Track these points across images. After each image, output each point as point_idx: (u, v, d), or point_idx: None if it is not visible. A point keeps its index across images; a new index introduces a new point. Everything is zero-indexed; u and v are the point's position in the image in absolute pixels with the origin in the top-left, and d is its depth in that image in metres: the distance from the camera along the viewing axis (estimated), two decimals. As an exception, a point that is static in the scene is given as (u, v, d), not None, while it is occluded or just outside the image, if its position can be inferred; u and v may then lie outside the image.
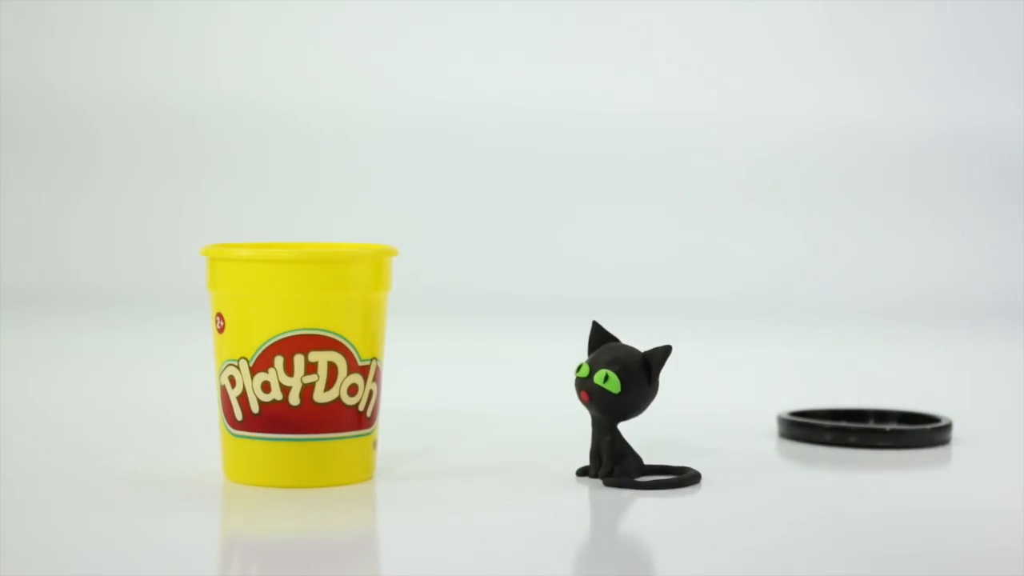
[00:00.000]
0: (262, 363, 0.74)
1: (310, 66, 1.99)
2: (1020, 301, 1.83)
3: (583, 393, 0.76)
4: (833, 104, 2.02)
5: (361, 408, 0.75)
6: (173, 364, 1.24)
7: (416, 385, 1.10)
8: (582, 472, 0.80)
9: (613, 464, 0.78)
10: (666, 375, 1.18)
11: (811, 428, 0.91)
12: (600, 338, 0.79)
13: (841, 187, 2.00)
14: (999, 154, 2.02)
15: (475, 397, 1.10)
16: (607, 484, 0.78)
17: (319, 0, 2.00)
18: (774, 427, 0.95)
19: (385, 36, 2.00)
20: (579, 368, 0.77)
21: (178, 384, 1.12)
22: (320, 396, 0.74)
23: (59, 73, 1.96)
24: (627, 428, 0.94)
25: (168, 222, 1.88)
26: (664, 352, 0.76)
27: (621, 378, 0.76)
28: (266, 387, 0.74)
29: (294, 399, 0.74)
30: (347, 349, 0.74)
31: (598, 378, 0.76)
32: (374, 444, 0.77)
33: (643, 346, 1.12)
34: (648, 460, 0.85)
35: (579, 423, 0.98)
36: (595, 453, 0.79)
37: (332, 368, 0.74)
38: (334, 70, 1.99)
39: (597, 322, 0.77)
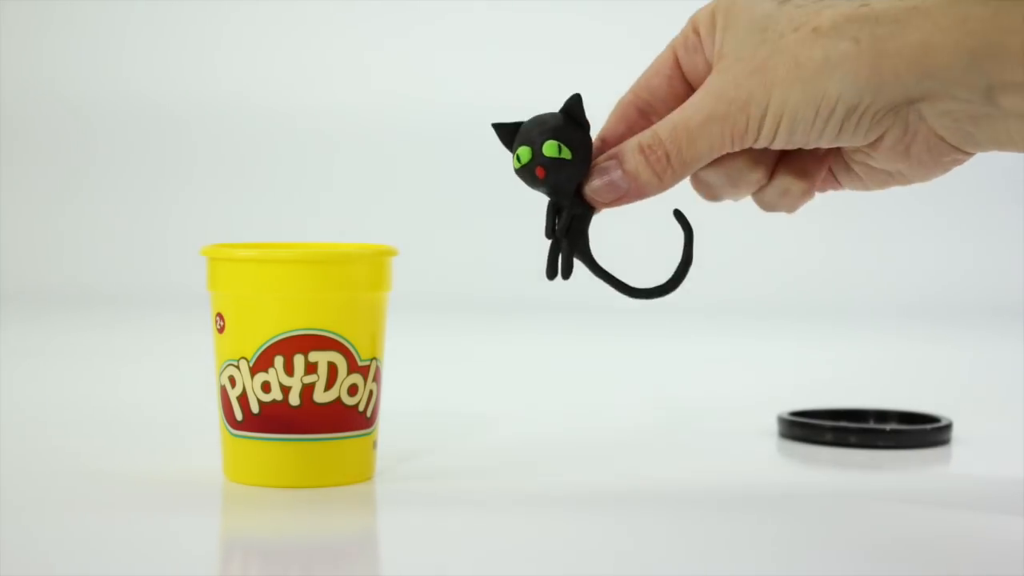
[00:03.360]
0: (262, 363, 0.74)
1: (310, 66, 1.99)
2: (1020, 301, 1.83)
3: (539, 170, 0.69)
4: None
5: (361, 408, 0.75)
6: (172, 364, 1.24)
7: (416, 385, 1.10)
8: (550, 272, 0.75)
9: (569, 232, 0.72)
10: (666, 375, 1.18)
11: (811, 428, 0.91)
12: (510, 135, 0.71)
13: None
14: (1000, 153, 2.02)
15: (475, 397, 1.10)
16: (563, 251, 0.72)
17: (318, 0, 2.00)
18: (774, 427, 0.95)
19: (385, 36, 2.00)
20: (516, 157, 0.70)
21: (178, 384, 1.12)
22: (320, 396, 0.74)
23: (58, 73, 1.96)
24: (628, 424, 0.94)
25: (168, 222, 1.88)
26: (575, 99, 0.70)
27: (568, 143, 0.69)
28: (266, 387, 0.74)
29: (294, 399, 0.74)
30: (347, 349, 0.74)
31: (549, 150, 0.69)
32: (374, 444, 0.77)
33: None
34: (648, 460, 0.85)
35: (579, 423, 0.98)
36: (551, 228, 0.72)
37: (332, 368, 0.74)
38: (334, 70, 1.99)
39: (498, 123, 0.71)
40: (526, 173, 0.70)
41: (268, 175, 1.93)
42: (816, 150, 0.71)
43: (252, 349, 0.74)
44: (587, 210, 0.71)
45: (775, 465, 0.88)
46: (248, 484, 0.75)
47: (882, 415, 0.95)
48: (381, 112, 1.93)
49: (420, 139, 1.91)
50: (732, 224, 1.93)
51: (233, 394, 0.75)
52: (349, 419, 0.75)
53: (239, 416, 0.75)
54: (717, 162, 0.69)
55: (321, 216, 1.89)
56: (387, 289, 0.77)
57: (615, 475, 0.82)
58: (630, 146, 0.68)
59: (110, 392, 1.09)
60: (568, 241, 0.72)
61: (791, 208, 0.73)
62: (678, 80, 0.71)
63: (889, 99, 0.65)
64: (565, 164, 0.69)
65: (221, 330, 0.75)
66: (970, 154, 0.68)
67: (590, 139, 0.70)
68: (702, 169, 0.70)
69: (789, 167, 0.71)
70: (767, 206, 0.74)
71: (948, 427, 0.92)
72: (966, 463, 0.88)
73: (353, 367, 0.75)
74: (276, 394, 0.74)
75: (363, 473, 0.77)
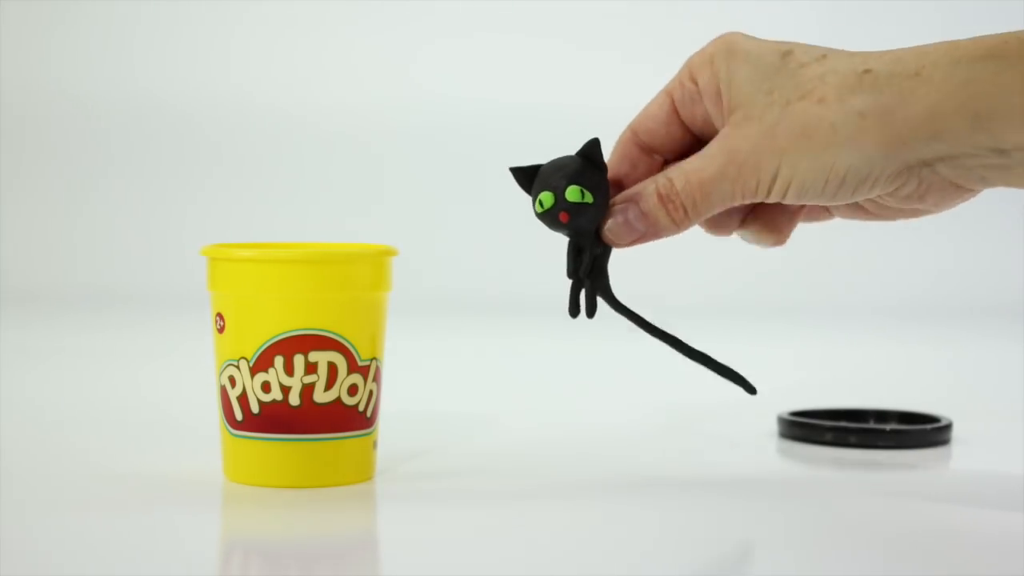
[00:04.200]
0: (262, 363, 0.74)
1: (310, 66, 1.99)
2: (1020, 301, 1.83)
3: (562, 215, 0.71)
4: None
5: (361, 408, 0.75)
6: (173, 364, 1.24)
7: (416, 385, 1.10)
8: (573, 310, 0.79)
9: (592, 272, 0.75)
10: (666, 375, 1.18)
11: (811, 428, 0.91)
12: (528, 178, 0.73)
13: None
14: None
15: (475, 397, 1.10)
16: (585, 285, 0.76)
17: (318, 0, 2.00)
18: (774, 427, 0.95)
19: (385, 35, 2.00)
20: (539, 202, 0.72)
21: (177, 384, 1.12)
22: (320, 396, 0.74)
23: (58, 73, 1.96)
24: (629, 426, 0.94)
25: (168, 222, 1.88)
26: (593, 143, 0.72)
27: (590, 187, 0.71)
28: (266, 387, 0.74)
29: (294, 399, 0.74)
30: (347, 349, 0.74)
31: (572, 195, 0.71)
32: (374, 444, 0.77)
33: None
34: (648, 460, 0.85)
35: (579, 423, 0.98)
36: (574, 265, 0.76)
37: (332, 368, 0.74)
38: (334, 70, 1.99)
39: (515, 167, 0.74)
40: (548, 218, 0.72)
41: (268, 175, 1.93)
42: (787, 207, 0.74)
43: (252, 349, 0.74)
44: (606, 249, 0.74)
45: (775, 465, 0.88)
46: (248, 484, 0.75)
47: (882, 415, 0.96)
48: (381, 112, 1.93)
49: (420, 139, 1.91)
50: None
51: (233, 394, 0.75)
52: (349, 419, 0.75)
53: (239, 416, 0.75)
54: None
55: (321, 216, 1.89)
56: (387, 289, 0.77)
57: (615, 475, 0.82)
58: (647, 191, 0.71)
59: (110, 392, 1.09)
60: (591, 281, 0.76)
61: (763, 247, 0.76)
62: (676, 127, 0.73)
63: (900, 164, 0.66)
64: (587, 208, 0.71)
65: (221, 330, 0.75)
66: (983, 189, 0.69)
67: (607, 182, 0.72)
68: None
69: (757, 219, 0.75)
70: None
71: (948, 427, 0.92)
72: (966, 463, 0.88)
73: (353, 367, 0.75)
74: (276, 394, 0.74)
75: (363, 473, 0.77)
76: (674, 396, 1.10)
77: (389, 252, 0.77)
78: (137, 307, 1.64)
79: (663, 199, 0.70)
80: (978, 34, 0.67)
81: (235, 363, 0.74)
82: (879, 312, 1.76)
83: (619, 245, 0.72)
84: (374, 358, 0.76)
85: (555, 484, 0.79)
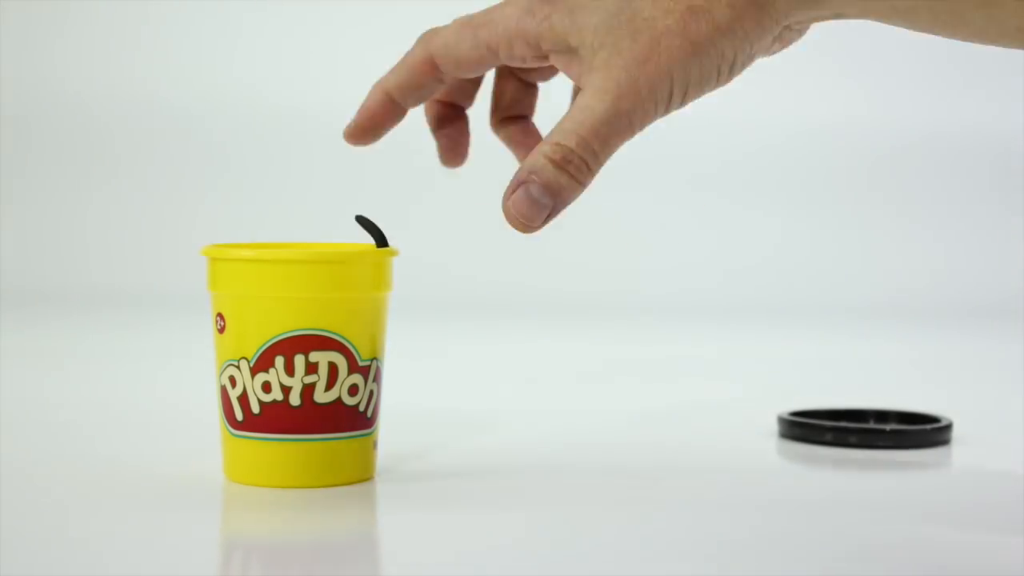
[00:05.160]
0: (263, 363, 0.74)
1: (310, 65, 1.99)
2: (1020, 301, 1.83)
3: None
4: (833, 102, 2.02)
5: (362, 408, 0.75)
6: (173, 364, 1.24)
7: (416, 385, 1.10)
8: None
9: None
10: (667, 375, 1.18)
11: (811, 428, 0.91)
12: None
13: (841, 186, 2.00)
14: (1000, 152, 2.02)
15: (475, 397, 1.10)
16: None
17: (318, 0, 2.00)
18: (774, 427, 0.95)
19: (385, 35, 2.00)
20: None
21: (178, 384, 1.12)
22: (321, 396, 0.74)
23: (57, 72, 1.96)
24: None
25: (168, 222, 1.88)
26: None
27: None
28: (267, 387, 0.74)
29: (295, 399, 0.74)
30: (348, 349, 0.74)
31: None
32: (375, 444, 0.77)
33: None
34: (648, 461, 0.85)
35: (579, 423, 0.98)
36: None
37: (333, 368, 0.74)
38: (333, 69, 1.99)
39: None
40: None
41: (268, 175, 1.93)
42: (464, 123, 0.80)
43: (252, 349, 0.74)
44: None
45: (775, 466, 0.88)
46: (248, 484, 0.75)
47: (882, 415, 0.96)
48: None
49: (420, 139, 1.91)
50: (733, 225, 1.93)
51: (233, 394, 0.75)
52: (350, 419, 0.75)
53: (239, 416, 0.75)
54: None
55: (321, 216, 1.89)
56: (387, 289, 0.77)
57: (615, 475, 0.82)
58: (540, 164, 0.69)
59: (110, 392, 1.09)
60: None
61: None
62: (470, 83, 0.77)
63: (774, 32, 0.69)
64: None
65: (221, 330, 0.75)
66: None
67: None
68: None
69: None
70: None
71: (948, 427, 0.92)
72: (966, 463, 0.88)
73: (354, 367, 0.75)
74: (277, 394, 0.74)
75: (363, 473, 0.77)
76: (674, 396, 1.10)
77: (389, 252, 0.77)
78: (138, 307, 1.64)
79: (561, 164, 0.69)
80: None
81: (235, 363, 0.75)
82: (878, 312, 1.76)
83: (532, 228, 0.70)
84: (374, 358, 0.76)
85: (555, 484, 0.79)
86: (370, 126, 0.77)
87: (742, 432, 0.95)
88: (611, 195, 1.89)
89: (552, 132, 0.69)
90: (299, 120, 1.95)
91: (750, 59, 0.70)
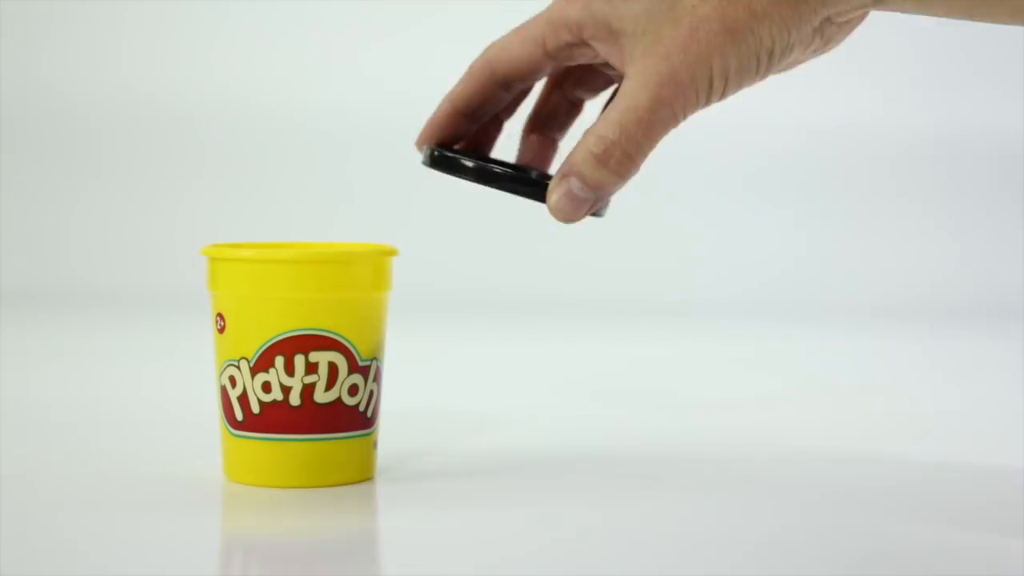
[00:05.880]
0: (263, 363, 0.74)
1: (311, 65, 1.99)
2: (1020, 301, 1.83)
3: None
4: (836, 104, 2.02)
5: (362, 408, 0.75)
6: (173, 364, 1.24)
7: (416, 385, 1.10)
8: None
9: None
10: (667, 376, 1.18)
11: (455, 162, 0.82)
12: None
13: (841, 187, 2.00)
14: (1001, 153, 2.02)
15: (475, 397, 1.10)
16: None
17: (318, 0, 2.00)
18: (775, 427, 0.95)
19: (385, 34, 2.00)
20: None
21: (178, 384, 1.12)
22: (321, 396, 0.74)
23: (57, 72, 1.96)
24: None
25: (168, 222, 1.88)
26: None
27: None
28: (267, 387, 0.74)
29: (295, 399, 0.74)
30: (348, 349, 0.74)
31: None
32: (374, 444, 0.77)
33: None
34: (648, 461, 0.85)
35: (579, 423, 0.98)
36: None
37: (333, 368, 0.74)
38: (333, 69, 1.99)
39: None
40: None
41: (268, 175, 1.93)
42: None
43: (253, 349, 0.74)
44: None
45: (775, 466, 0.88)
46: (248, 484, 0.75)
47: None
48: (382, 112, 1.93)
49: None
50: (733, 225, 1.93)
51: (233, 394, 0.75)
52: (350, 419, 0.75)
53: (239, 416, 0.75)
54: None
55: (321, 216, 1.89)
56: (387, 289, 0.77)
57: (615, 475, 0.82)
58: (581, 159, 0.70)
59: (110, 392, 1.09)
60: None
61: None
62: (541, 70, 0.74)
63: (812, 25, 0.69)
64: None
65: (221, 330, 0.75)
66: None
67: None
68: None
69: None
70: None
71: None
72: (965, 463, 0.88)
73: (354, 367, 0.75)
74: (277, 394, 0.74)
75: (363, 473, 0.77)
76: (674, 396, 1.10)
77: (389, 252, 0.77)
78: (137, 307, 1.64)
79: (603, 159, 0.69)
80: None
81: (236, 363, 0.75)
82: (878, 312, 1.76)
83: (574, 220, 0.71)
84: (374, 358, 0.76)
85: (555, 484, 0.79)
86: (435, 136, 0.76)
87: (742, 432, 0.95)
88: (617, 197, 1.89)
89: (596, 123, 0.69)
90: (299, 120, 1.95)
91: (790, 49, 0.69)
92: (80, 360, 1.27)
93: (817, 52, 0.72)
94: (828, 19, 0.69)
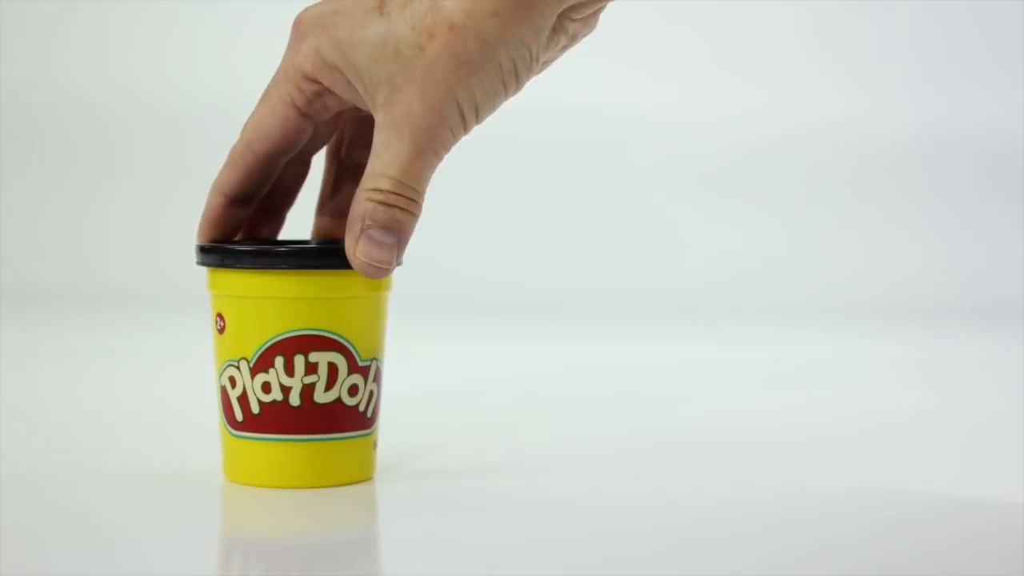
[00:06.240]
0: (262, 364, 0.74)
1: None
2: (1020, 301, 1.83)
3: None
4: (832, 101, 2.02)
5: (362, 408, 0.75)
6: (172, 364, 1.24)
7: (417, 385, 1.10)
8: None
9: None
10: (667, 377, 1.18)
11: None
12: None
13: (840, 185, 2.00)
14: (999, 152, 2.02)
15: (476, 397, 1.10)
16: None
17: None
18: (774, 427, 0.94)
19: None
20: None
21: (177, 384, 1.12)
22: (320, 396, 0.74)
23: (57, 72, 1.96)
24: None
25: (168, 222, 1.88)
26: None
27: None
28: (266, 388, 0.74)
29: (295, 400, 0.74)
30: (347, 350, 0.74)
31: None
32: (374, 444, 0.77)
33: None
34: (649, 463, 0.85)
35: (580, 424, 0.98)
36: None
37: (333, 368, 0.74)
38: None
39: None
40: None
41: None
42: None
43: (252, 349, 0.74)
44: None
45: (775, 466, 0.87)
46: (248, 484, 0.75)
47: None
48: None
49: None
50: (733, 225, 1.93)
51: (233, 394, 0.75)
52: (349, 419, 0.75)
53: (239, 416, 0.75)
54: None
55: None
56: (387, 289, 0.77)
57: (616, 477, 0.82)
58: (369, 208, 0.71)
59: (109, 392, 1.09)
60: None
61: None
62: (300, 129, 0.77)
63: (547, 28, 0.69)
64: None
65: (221, 330, 0.75)
66: None
67: None
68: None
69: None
70: None
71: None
72: (965, 463, 0.88)
73: (354, 367, 0.75)
74: (276, 394, 0.74)
75: (363, 473, 0.77)
76: (674, 396, 1.10)
77: (389, 252, 0.77)
78: (138, 308, 1.64)
79: (389, 205, 0.70)
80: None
81: (235, 363, 0.75)
82: (878, 312, 1.76)
83: (389, 269, 0.72)
84: (374, 358, 0.76)
85: (556, 485, 0.79)
86: (212, 232, 0.78)
87: (744, 432, 0.95)
88: (609, 195, 1.89)
89: (364, 179, 0.70)
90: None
91: (535, 61, 0.69)
92: (80, 360, 1.26)
93: (567, 47, 0.72)
94: (568, 17, 0.69)
